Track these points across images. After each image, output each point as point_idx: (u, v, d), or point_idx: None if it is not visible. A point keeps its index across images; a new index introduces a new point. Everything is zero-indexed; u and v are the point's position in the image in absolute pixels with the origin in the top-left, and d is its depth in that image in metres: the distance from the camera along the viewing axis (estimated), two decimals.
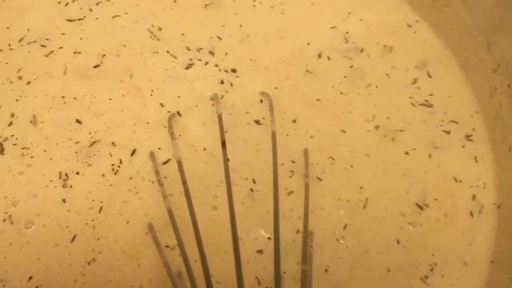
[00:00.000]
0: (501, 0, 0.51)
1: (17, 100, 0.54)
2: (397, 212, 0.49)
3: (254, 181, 0.50)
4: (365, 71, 0.58)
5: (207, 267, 0.41)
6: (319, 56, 0.59)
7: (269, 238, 0.47)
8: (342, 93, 0.56)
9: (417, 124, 0.54)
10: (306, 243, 0.41)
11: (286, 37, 0.60)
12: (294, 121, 0.53)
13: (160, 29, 0.59)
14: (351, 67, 0.58)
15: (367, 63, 0.59)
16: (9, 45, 0.58)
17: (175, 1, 0.62)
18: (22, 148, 0.51)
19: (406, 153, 0.52)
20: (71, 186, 0.49)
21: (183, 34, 0.59)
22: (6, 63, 0.57)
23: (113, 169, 0.50)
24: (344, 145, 0.52)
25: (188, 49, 0.58)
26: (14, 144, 0.51)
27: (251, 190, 0.49)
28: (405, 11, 0.63)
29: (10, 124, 0.53)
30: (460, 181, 0.51)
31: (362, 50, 0.59)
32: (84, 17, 0.61)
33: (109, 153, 0.51)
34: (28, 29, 0.59)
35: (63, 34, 0.59)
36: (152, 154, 0.51)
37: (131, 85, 0.55)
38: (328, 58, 0.58)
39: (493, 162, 0.52)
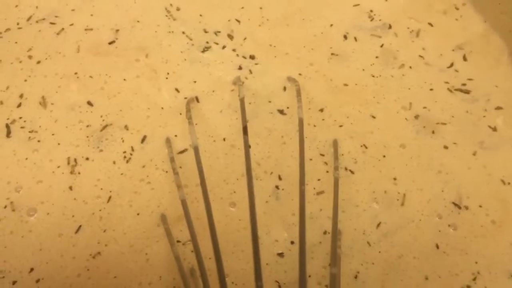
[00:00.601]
0: None
1: (25, 80, 0.51)
2: (434, 213, 0.44)
3: (280, 178, 0.45)
4: (396, 50, 0.53)
5: (222, 266, 0.37)
6: (345, 37, 0.54)
7: (292, 242, 0.43)
8: (373, 76, 0.51)
9: (460, 117, 0.50)
10: (335, 244, 0.37)
11: (307, 19, 0.56)
12: (321, 110, 0.49)
13: (178, 9, 0.55)
14: (381, 46, 0.54)
15: (398, 42, 0.54)
16: (18, 23, 0.55)
17: None
18: (29, 132, 0.47)
19: (445, 147, 0.48)
20: (79, 173, 0.45)
21: (200, 15, 0.55)
22: (16, 42, 0.53)
23: (124, 157, 0.46)
24: (377, 133, 0.48)
25: (205, 31, 0.54)
26: (22, 127, 0.48)
27: (277, 187, 0.45)
28: None
29: (19, 105, 0.49)
30: (509, 183, 0.46)
31: (390, 27, 0.55)
32: None
33: (121, 138, 0.47)
34: (36, 7, 0.56)
35: (72, 10, 0.56)
36: (168, 140, 0.47)
37: (147, 66, 0.51)
38: (355, 38, 0.54)
39: None
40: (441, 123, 0.49)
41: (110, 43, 0.52)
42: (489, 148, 0.47)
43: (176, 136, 0.47)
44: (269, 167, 0.45)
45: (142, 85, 0.50)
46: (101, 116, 0.48)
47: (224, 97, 0.50)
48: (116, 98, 0.49)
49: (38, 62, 0.52)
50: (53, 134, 0.47)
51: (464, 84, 0.52)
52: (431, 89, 0.51)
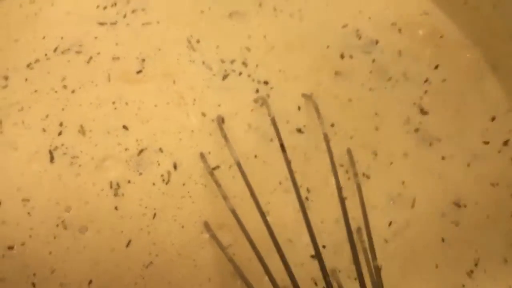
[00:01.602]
0: None
1: (63, 109, 0.56)
2: (438, 212, 0.52)
3: (308, 190, 0.52)
4: (387, 64, 0.60)
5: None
6: (342, 56, 0.60)
7: (324, 247, 0.49)
8: (371, 89, 0.58)
9: (453, 132, 0.57)
10: (371, 240, 0.44)
11: (306, 45, 0.62)
12: (332, 125, 0.55)
13: (198, 41, 0.61)
14: (373, 61, 0.60)
15: (385, 57, 0.60)
16: (46, 54, 0.59)
17: (202, 12, 0.63)
18: (71, 157, 0.53)
19: (443, 158, 0.55)
20: (122, 194, 0.51)
21: (217, 47, 0.60)
22: (48, 72, 0.58)
23: (163, 180, 0.52)
24: (383, 142, 0.55)
25: (222, 61, 0.59)
26: (64, 153, 0.53)
27: (306, 198, 0.51)
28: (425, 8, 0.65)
29: (60, 133, 0.54)
30: (497, 184, 0.54)
31: (377, 42, 0.61)
32: (116, 21, 0.62)
33: (157, 162, 0.53)
34: (62, 37, 0.60)
35: (95, 38, 0.60)
36: (202, 156, 0.53)
37: (175, 92, 0.57)
38: (351, 56, 0.60)
39: None
40: (436, 139, 0.56)
41: (138, 72, 0.58)
42: (480, 158, 0.55)
43: (209, 153, 0.53)
44: (297, 181, 0.50)
45: (172, 111, 0.56)
46: (136, 140, 0.54)
47: (247, 118, 0.56)
48: (149, 123, 0.55)
49: (73, 92, 0.57)
50: (92, 159, 0.53)
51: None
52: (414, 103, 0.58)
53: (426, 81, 0.58)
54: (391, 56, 0.60)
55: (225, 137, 0.52)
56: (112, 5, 0.62)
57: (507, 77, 0.59)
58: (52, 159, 0.53)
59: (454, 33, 0.62)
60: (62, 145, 0.53)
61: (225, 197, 0.47)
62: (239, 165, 0.48)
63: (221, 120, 0.55)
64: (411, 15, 0.63)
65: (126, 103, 0.56)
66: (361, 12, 0.63)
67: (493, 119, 0.57)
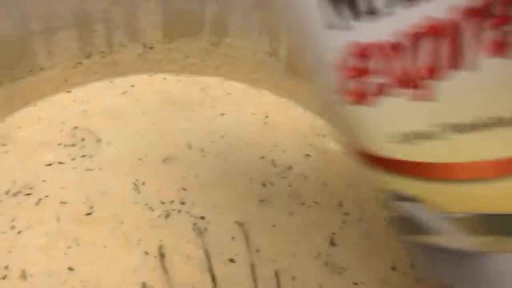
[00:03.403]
0: None
1: (10, 251, 0.59)
2: None
3: None
4: (303, 187, 0.70)
5: None
6: (264, 185, 0.70)
7: None
8: (290, 214, 0.66)
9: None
10: None
11: (232, 179, 0.70)
12: (258, 250, 0.62)
13: (143, 183, 0.68)
14: (289, 185, 0.70)
15: (301, 180, 0.71)
16: None
17: (139, 159, 0.70)
18: None
19: (355, 283, 0.63)
20: None
21: (158, 190, 0.68)
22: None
23: None
24: (302, 269, 0.61)
25: (162, 202, 0.67)
26: None
27: None
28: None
29: (4, 277, 0.57)
30: None
31: (290, 167, 0.72)
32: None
33: None
34: (14, 181, 0.66)
35: (43, 181, 0.67)
36: (144, 285, 0.57)
37: (122, 233, 0.63)
38: (271, 183, 0.70)
39: None
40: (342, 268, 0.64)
41: (87, 214, 0.64)
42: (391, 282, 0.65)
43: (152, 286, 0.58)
44: None
45: (117, 252, 0.61)
46: (81, 281, 0.58)
47: (187, 251, 0.61)
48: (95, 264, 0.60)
49: (19, 232, 0.61)
50: None
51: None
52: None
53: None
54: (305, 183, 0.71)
55: (164, 268, 0.58)
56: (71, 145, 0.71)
57: None
58: None
59: None
60: None
61: None
62: None
63: (162, 257, 0.61)
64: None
65: (78, 244, 0.61)
66: (276, 146, 0.75)
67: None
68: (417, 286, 0.63)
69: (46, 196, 0.65)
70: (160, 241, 0.63)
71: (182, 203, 0.67)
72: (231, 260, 0.62)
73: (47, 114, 0.74)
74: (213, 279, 0.56)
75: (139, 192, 0.67)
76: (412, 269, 0.64)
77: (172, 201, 0.67)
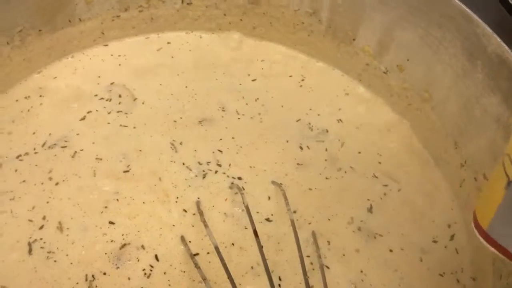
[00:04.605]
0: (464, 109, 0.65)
1: (47, 202, 0.60)
2: None
3: (280, 279, 0.57)
4: (338, 153, 0.70)
5: None
6: (301, 148, 0.70)
7: None
8: (327, 178, 0.66)
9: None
10: None
11: (268, 141, 0.70)
12: (295, 211, 0.62)
13: (181, 143, 0.68)
14: (326, 150, 0.69)
15: (337, 146, 0.70)
16: (34, 149, 0.65)
17: (175, 121, 0.70)
18: (48, 252, 0.56)
19: (390, 250, 0.62)
20: (96, 287, 0.54)
21: (195, 150, 0.67)
22: (36, 165, 0.63)
23: (145, 274, 0.56)
24: (337, 234, 0.62)
25: (199, 163, 0.66)
26: (41, 248, 0.57)
27: (279, 285, 0.56)
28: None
29: (41, 227, 0.58)
30: (444, 273, 0.61)
31: (327, 131, 0.71)
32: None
33: (137, 258, 0.57)
34: (50, 134, 0.66)
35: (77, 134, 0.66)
36: (183, 239, 0.58)
37: (161, 190, 0.63)
38: (308, 147, 0.69)
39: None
40: (378, 235, 0.63)
41: (125, 171, 0.64)
42: (430, 252, 0.62)
43: (190, 242, 0.58)
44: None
45: (156, 208, 0.61)
46: (122, 235, 0.59)
47: (223, 209, 0.62)
48: (135, 219, 0.60)
49: (57, 184, 0.62)
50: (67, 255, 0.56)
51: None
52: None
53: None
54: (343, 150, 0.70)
55: (204, 221, 0.58)
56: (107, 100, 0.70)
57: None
58: (30, 251, 0.56)
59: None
60: (41, 239, 0.57)
61: (204, 278, 0.52)
62: (217, 249, 0.53)
63: (199, 206, 0.61)
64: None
65: (117, 200, 0.61)
66: (311, 109, 0.74)
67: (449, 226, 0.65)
68: (456, 258, 0.63)
69: (81, 150, 0.65)
70: (198, 198, 0.63)
71: (219, 164, 0.67)
72: (268, 220, 0.62)
73: (84, 66, 0.73)
74: (255, 232, 0.56)
75: (176, 152, 0.67)
76: (451, 241, 0.64)
77: (209, 162, 0.67)
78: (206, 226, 0.57)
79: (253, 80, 0.77)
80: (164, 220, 0.60)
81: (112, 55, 0.74)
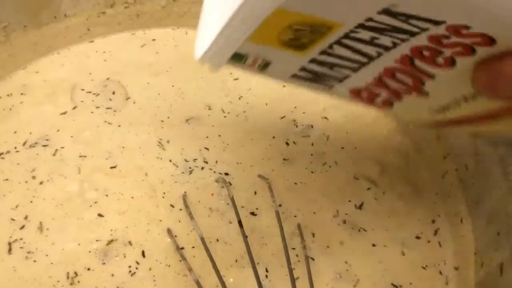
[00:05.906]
0: None
1: (31, 202, 0.60)
2: None
3: (267, 270, 0.57)
4: (324, 147, 0.70)
5: None
6: (287, 143, 0.70)
7: None
8: (312, 172, 0.67)
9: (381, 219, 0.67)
10: None
11: (255, 138, 0.70)
12: (280, 205, 0.63)
13: (168, 141, 0.68)
14: (312, 144, 0.70)
15: (323, 140, 0.71)
16: (15, 148, 0.64)
17: (162, 121, 0.70)
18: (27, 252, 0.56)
19: (373, 245, 0.63)
20: (78, 282, 0.55)
21: (182, 148, 0.68)
22: (18, 164, 0.63)
23: (130, 271, 0.56)
24: (322, 227, 0.62)
25: (186, 160, 0.67)
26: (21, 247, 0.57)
27: (266, 276, 0.57)
28: None
29: (22, 227, 0.58)
30: (426, 266, 0.62)
31: (312, 126, 0.72)
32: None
33: (123, 254, 0.57)
34: (30, 133, 0.66)
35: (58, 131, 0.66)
36: (169, 231, 0.58)
37: (149, 185, 0.63)
38: (294, 142, 0.70)
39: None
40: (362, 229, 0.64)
41: (111, 167, 0.64)
42: (413, 247, 0.63)
43: (176, 236, 0.58)
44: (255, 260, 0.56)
45: (144, 203, 0.61)
46: (111, 230, 0.59)
47: (208, 204, 0.62)
48: (124, 215, 0.60)
49: (41, 183, 0.61)
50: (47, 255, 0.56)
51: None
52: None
53: None
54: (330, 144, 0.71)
55: (190, 214, 0.59)
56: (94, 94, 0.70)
57: None
58: (9, 250, 0.56)
59: None
60: (21, 239, 0.57)
61: (189, 269, 0.53)
62: (202, 240, 0.55)
63: (185, 200, 0.61)
64: None
65: (106, 195, 0.61)
66: (296, 107, 0.75)
67: (433, 221, 0.66)
68: (439, 251, 0.64)
69: (62, 148, 0.65)
70: (184, 192, 0.63)
71: (205, 161, 0.67)
72: (252, 213, 0.63)
73: (69, 62, 0.72)
74: (241, 224, 0.57)
75: (164, 149, 0.67)
76: (435, 236, 0.65)
77: (195, 159, 0.67)
78: (192, 218, 0.58)
79: (235, 79, 0.77)
80: (152, 216, 0.60)
81: (97, 51, 0.74)
